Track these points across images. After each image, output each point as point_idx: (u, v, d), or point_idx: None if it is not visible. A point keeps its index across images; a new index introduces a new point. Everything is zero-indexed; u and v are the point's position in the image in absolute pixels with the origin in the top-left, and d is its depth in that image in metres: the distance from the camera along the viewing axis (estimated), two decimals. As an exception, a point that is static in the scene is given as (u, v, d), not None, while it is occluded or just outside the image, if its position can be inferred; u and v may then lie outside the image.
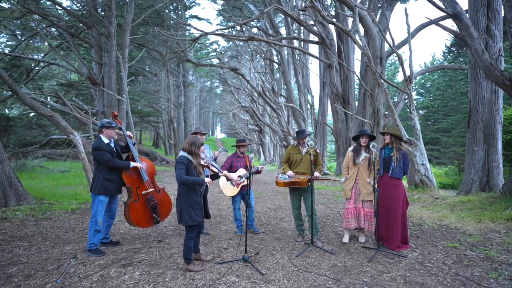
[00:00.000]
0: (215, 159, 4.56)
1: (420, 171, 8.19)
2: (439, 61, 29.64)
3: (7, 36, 20.07)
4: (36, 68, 15.51)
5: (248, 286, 2.95)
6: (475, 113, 7.55)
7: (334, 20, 10.30)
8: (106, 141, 3.82)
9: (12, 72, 14.70)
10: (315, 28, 12.78)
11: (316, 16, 12.57)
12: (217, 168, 3.73)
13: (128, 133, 4.05)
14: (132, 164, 3.86)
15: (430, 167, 8.50)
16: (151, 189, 4.03)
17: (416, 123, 8.23)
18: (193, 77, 31.80)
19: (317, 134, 16.77)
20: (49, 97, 16.70)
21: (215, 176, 3.86)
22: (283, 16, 21.38)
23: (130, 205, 3.89)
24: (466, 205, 6.28)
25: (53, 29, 15.07)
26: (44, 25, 14.41)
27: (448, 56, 23.67)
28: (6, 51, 17.56)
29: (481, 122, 7.45)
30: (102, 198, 3.73)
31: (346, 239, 4.35)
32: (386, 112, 10.74)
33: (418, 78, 30.55)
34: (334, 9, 14.16)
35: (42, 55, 17.81)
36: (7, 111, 19.23)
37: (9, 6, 13.88)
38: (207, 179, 3.36)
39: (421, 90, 30.83)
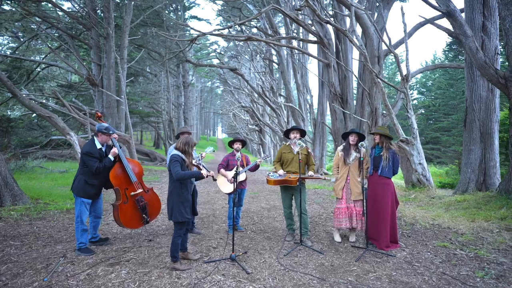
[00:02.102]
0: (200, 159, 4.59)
1: (417, 170, 8.17)
2: (440, 59, 29.47)
3: (9, 38, 20.25)
4: (37, 69, 15.63)
5: (232, 285, 2.96)
6: (471, 111, 7.51)
7: (330, 19, 10.28)
8: (98, 146, 3.83)
9: (13, 73, 14.83)
10: (313, 28, 12.76)
11: (313, 15, 12.54)
12: (205, 168, 3.76)
13: (114, 135, 4.06)
14: (111, 156, 3.84)
15: (427, 166, 8.47)
16: (140, 190, 4.05)
17: (413, 122, 8.20)
18: (193, 78, 31.86)
19: (316, 134, 16.75)
20: (50, 99, 16.84)
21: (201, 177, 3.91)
22: (282, 16, 21.39)
23: (119, 206, 3.91)
24: (461, 205, 6.26)
25: (53, 31, 15.18)
26: (44, 27, 14.51)
27: (449, 55, 23.55)
28: (8, 53, 17.69)
29: (478, 121, 7.41)
30: (84, 199, 3.75)
31: (337, 238, 4.35)
32: (384, 112, 10.70)
33: (419, 77, 30.38)
34: (332, 8, 14.14)
35: (43, 56, 17.95)
36: (9, 113, 19.35)
37: (10, 8, 14.00)
38: (204, 171, 3.46)
39: (422, 89, 30.68)
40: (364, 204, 3.96)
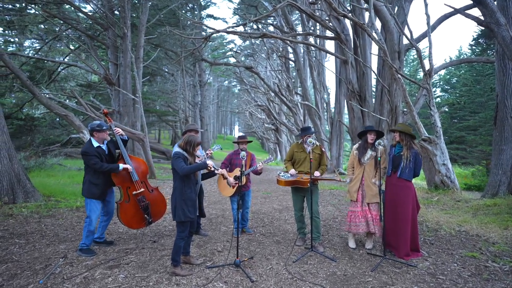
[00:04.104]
0: (206, 157, 4.40)
1: (441, 171, 7.65)
2: (466, 55, 27.95)
3: (33, 40, 21.06)
4: (58, 70, 16.08)
5: (234, 294, 2.73)
6: (502, 108, 6.90)
7: (347, 13, 9.84)
8: (96, 144, 3.70)
9: (36, 74, 15.33)
10: (330, 24, 12.34)
11: (330, 10, 12.11)
12: (213, 166, 3.56)
13: (118, 130, 3.92)
14: (122, 166, 3.73)
15: (452, 167, 7.91)
16: (142, 189, 3.89)
17: (436, 120, 7.68)
18: (210, 77, 31.98)
19: (333, 133, 16.27)
20: (70, 98, 17.31)
21: (210, 174, 3.68)
22: (299, 14, 20.97)
23: (121, 205, 3.78)
24: (491, 209, 5.73)
25: (73, 32, 15.57)
26: (64, 28, 14.90)
27: (476, 50, 22.25)
28: (32, 55, 18.32)
29: (510, 118, 6.79)
30: (93, 199, 3.65)
31: (352, 243, 4.02)
32: (405, 109, 10.16)
33: (442, 73, 29.00)
34: (349, 2, 13.62)
35: (64, 57, 18.48)
36: (36, 113, 20.09)
37: (34, 11, 14.46)
38: (209, 162, 3.30)
39: (446, 86, 29.25)
40: (382, 208, 3.62)
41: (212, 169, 3.31)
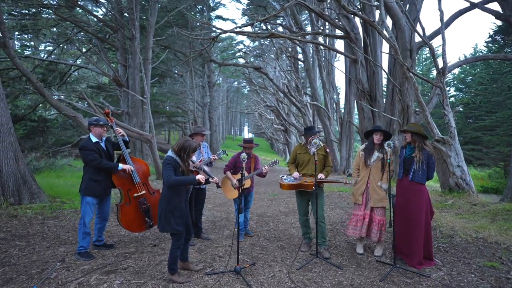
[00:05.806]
0: (210, 163, 4.27)
1: (456, 173, 7.32)
2: (482, 52, 27.06)
3: (47, 43, 21.55)
4: (69, 72, 16.35)
5: (233, 304, 2.58)
6: (522, 107, 6.54)
7: (357, 11, 9.59)
8: (94, 139, 3.65)
9: (48, 76, 15.63)
10: (339, 22, 12.09)
11: (339, 9, 11.87)
12: (208, 174, 3.41)
13: (119, 130, 3.84)
14: (121, 166, 3.65)
15: (468, 169, 7.57)
16: (143, 192, 3.80)
17: (450, 119, 7.37)
18: (219, 78, 32.01)
19: (343, 133, 15.96)
20: (81, 100, 17.58)
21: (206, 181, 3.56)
22: (308, 14, 20.74)
23: (121, 208, 3.70)
24: (511, 214, 5.41)
25: (83, 34, 15.81)
26: (75, 31, 15.14)
27: (492, 47, 21.48)
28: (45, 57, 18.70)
29: (530, 118, 6.44)
30: (89, 199, 3.57)
31: (360, 249, 3.83)
32: (417, 109, 9.82)
33: (456, 72, 28.17)
34: (359, 0, 13.34)
35: (75, 59, 18.80)
36: (48, 114, 20.47)
37: (47, 15, 14.76)
38: (199, 176, 2.99)
39: (461, 86, 28.38)
40: (391, 213, 3.40)
41: (203, 182, 3.02)
